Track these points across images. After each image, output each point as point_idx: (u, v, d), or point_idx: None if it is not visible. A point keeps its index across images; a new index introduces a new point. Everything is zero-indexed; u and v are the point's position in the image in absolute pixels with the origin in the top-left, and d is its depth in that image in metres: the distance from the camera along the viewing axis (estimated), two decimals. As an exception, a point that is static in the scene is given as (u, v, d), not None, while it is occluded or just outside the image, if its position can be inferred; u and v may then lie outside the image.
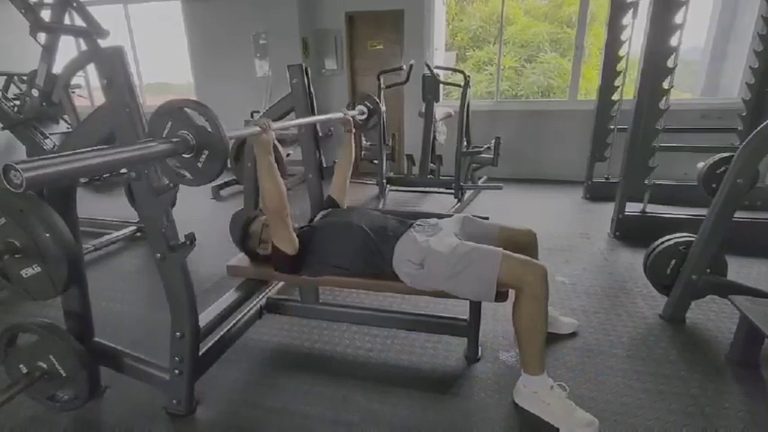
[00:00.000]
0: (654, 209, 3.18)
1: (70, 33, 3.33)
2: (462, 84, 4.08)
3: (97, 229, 3.44)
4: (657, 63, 2.75)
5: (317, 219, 1.92)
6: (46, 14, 2.83)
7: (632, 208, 3.18)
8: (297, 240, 1.65)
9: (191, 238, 1.41)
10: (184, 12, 5.73)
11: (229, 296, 1.86)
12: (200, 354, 1.59)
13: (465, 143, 4.22)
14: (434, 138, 4.28)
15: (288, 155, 4.09)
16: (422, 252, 1.59)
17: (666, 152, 3.13)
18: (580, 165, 4.56)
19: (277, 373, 1.83)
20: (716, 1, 4.83)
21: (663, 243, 2.21)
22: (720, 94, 4.91)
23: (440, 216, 1.93)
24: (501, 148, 3.99)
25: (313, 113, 2.20)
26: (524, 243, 1.80)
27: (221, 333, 1.78)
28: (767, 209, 3.48)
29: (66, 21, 2.99)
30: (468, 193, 4.33)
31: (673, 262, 2.15)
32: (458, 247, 1.57)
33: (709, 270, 2.05)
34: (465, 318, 1.85)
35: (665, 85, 2.79)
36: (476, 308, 1.79)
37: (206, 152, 1.10)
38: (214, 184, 4.73)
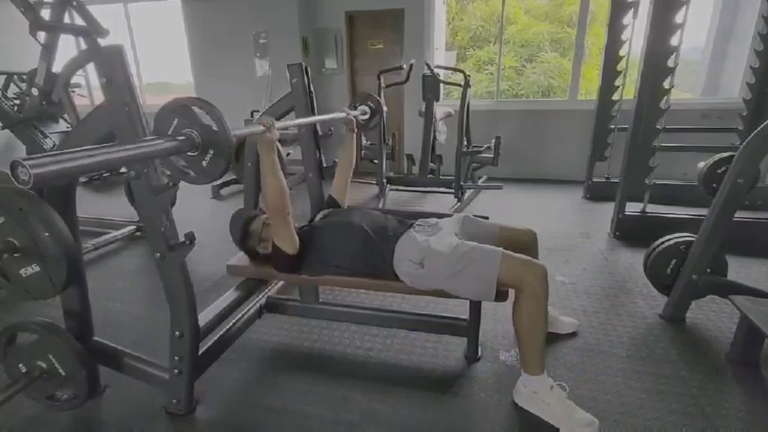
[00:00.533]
0: (654, 209, 3.17)
1: (70, 32, 3.33)
2: (462, 83, 4.08)
3: (97, 229, 3.44)
4: (658, 63, 2.75)
5: (317, 218, 1.92)
6: (46, 13, 2.83)
7: (632, 208, 3.18)
8: (297, 240, 1.65)
9: (190, 238, 1.40)
10: (184, 11, 5.72)
11: (229, 295, 1.86)
12: (199, 353, 1.59)
13: (465, 143, 4.22)
14: (434, 137, 4.28)
15: (288, 154, 4.09)
16: (422, 252, 1.59)
17: (667, 152, 3.13)
18: (580, 164, 4.56)
19: (277, 372, 1.82)
20: (716, 1, 4.83)
21: (663, 243, 2.21)
22: (721, 93, 4.91)
23: (440, 216, 1.92)
24: (501, 147, 3.99)
25: (313, 113, 2.19)
26: (524, 243, 1.80)
27: (221, 332, 1.78)
28: (767, 209, 3.47)
29: (66, 20, 2.99)
30: (468, 193, 4.33)
31: (673, 262, 2.14)
32: (458, 246, 1.57)
33: (709, 270, 2.05)
34: (465, 317, 1.84)
35: (666, 84, 2.79)
36: (476, 308, 1.79)
37: (211, 151, 1.09)
38: (214, 183, 4.74)
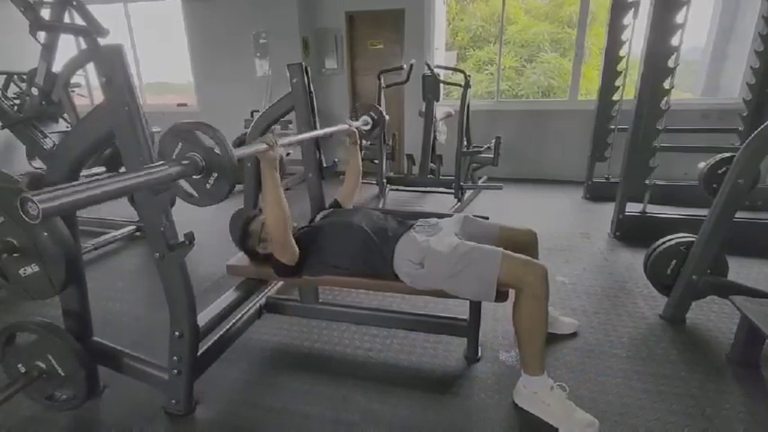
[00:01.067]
0: (654, 209, 3.17)
1: (70, 32, 3.33)
2: (462, 83, 4.08)
3: (96, 229, 3.43)
4: (658, 63, 2.75)
5: (317, 218, 1.92)
6: (46, 13, 2.83)
7: (632, 208, 3.18)
8: (297, 251, 1.63)
9: (190, 238, 1.40)
10: (184, 11, 5.72)
11: (229, 296, 1.85)
12: (199, 353, 1.59)
13: (465, 143, 4.22)
14: (434, 137, 4.28)
15: (288, 154, 4.09)
16: (422, 252, 1.59)
17: (667, 152, 3.13)
18: (580, 165, 4.56)
19: (277, 372, 1.82)
20: (716, 1, 4.83)
21: (663, 243, 2.21)
22: (721, 94, 4.91)
23: (440, 216, 1.92)
24: (501, 147, 3.99)
25: (313, 113, 2.19)
26: (525, 243, 1.80)
27: (220, 333, 1.78)
28: (767, 209, 3.47)
29: (66, 19, 2.98)
30: (468, 193, 4.33)
31: (673, 262, 2.14)
32: (458, 246, 1.56)
33: (709, 270, 2.04)
34: (465, 318, 1.84)
35: (666, 85, 2.79)
36: (476, 308, 1.79)
37: (215, 174, 1.11)
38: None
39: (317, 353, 1.95)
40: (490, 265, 1.48)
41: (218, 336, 1.76)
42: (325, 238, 1.73)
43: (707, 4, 4.88)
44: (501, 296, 1.54)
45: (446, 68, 5.20)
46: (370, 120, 2.48)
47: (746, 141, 1.88)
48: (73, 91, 3.38)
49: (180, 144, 1.09)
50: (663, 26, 2.69)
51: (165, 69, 6.94)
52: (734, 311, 1.80)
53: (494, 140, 3.98)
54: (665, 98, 2.80)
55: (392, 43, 5.44)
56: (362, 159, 4.45)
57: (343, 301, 2.35)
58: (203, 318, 1.62)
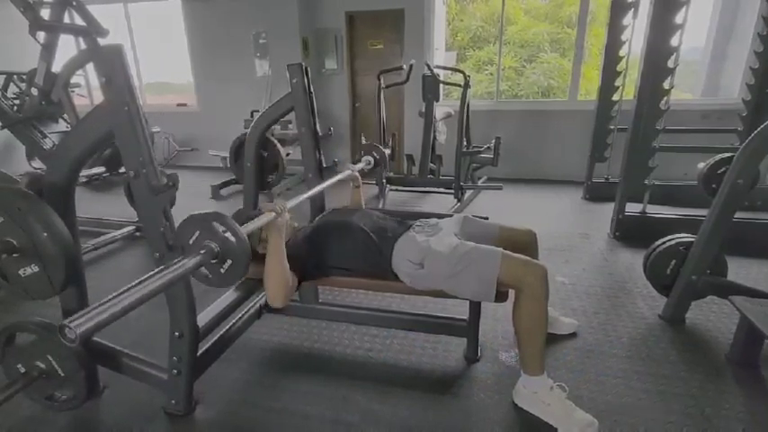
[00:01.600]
0: (654, 209, 3.17)
1: (69, 32, 3.33)
2: (462, 84, 4.08)
3: (96, 229, 3.43)
4: (658, 63, 2.75)
5: (316, 218, 1.92)
6: (45, 13, 2.83)
7: (632, 208, 3.18)
8: (294, 286, 1.60)
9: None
10: (184, 11, 5.73)
11: (228, 296, 1.85)
12: (198, 353, 1.59)
13: (465, 143, 4.22)
14: (434, 138, 4.28)
15: (288, 154, 4.09)
16: (422, 252, 1.59)
17: (666, 152, 3.13)
18: (580, 165, 4.56)
19: (277, 373, 1.82)
20: (716, 1, 4.83)
21: (663, 243, 2.21)
22: (721, 94, 4.91)
23: (440, 216, 1.92)
24: (501, 148, 3.99)
25: (313, 114, 2.20)
26: (524, 243, 1.80)
27: (220, 333, 1.78)
28: (767, 209, 3.47)
29: (66, 20, 2.98)
30: (468, 193, 4.33)
31: (673, 262, 2.14)
32: (458, 246, 1.56)
33: (709, 271, 2.05)
34: (465, 318, 1.84)
35: (666, 85, 2.79)
36: (475, 308, 1.79)
37: (229, 261, 1.16)
38: (213, 183, 4.74)
39: (316, 353, 1.95)
40: (490, 265, 1.48)
41: (217, 336, 1.76)
42: (325, 238, 1.72)
43: (707, 3, 4.88)
44: (501, 296, 1.54)
45: (446, 69, 5.20)
46: (371, 159, 2.59)
47: (746, 141, 1.88)
48: (72, 91, 3.38)
49: (197, 232, 1.16)
50: (662, 26, 2.69)
51: (164, 69, 6.94)
52: (733, 311, 1.80)
53: (493, 141, 3.98)
54: (665, 98, 2.81)
55: (392, 43, 5.44)
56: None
57: (343, 302, 2.35)
58: (203, 318, 1.62)
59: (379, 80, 4.17)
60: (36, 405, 1.58)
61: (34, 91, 2.93)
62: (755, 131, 1.86)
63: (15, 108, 3.68)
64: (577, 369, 1.79)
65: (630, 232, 3.20)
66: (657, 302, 2.25)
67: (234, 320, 1.89)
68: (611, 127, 4.17)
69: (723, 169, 2.28)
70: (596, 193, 4.35)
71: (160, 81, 7.24)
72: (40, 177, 1.44)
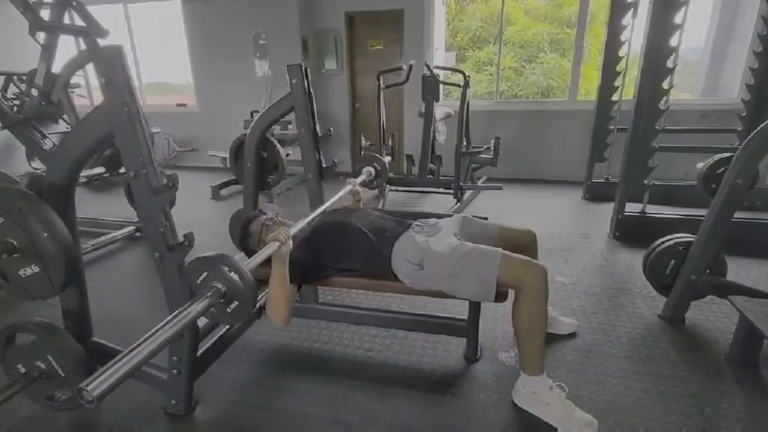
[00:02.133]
0: (653, 209, 3.18)
1: (69, 33, 3.33)
2: (462, 84, 4.08)
3: (96, 229, 3.44)
4: (657, 63, 2.75)
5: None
6: (45, 14, 2.83)
7: (632, 208, 3.18)
8: (295, 292, 1.62)
9: (189, 239, 1.40)
10: (184, 12, 5.73)
11: (229, 296, 1.85)
12: (198, 354, 1.59)
13: (465, 143, 4.22)
14: (434, 138, 4.28)
15: (288, 155, 4.09)
16: (421, 252, 1.59)
17: (666, 152, 3.13)
18: (580, 165, 4.56)
19: (276, 373, 1.82)
20: (716, 1, 4.83)
21: (662, 243, 2.21)
22: (721, 94, 4.91)
23: (439, 216, 1.92)
24: (501, 148, 4.00)
25: (312, 114, 2.20)
26: (524, 243, 1.80)
27: (220, 333, 1.78)
28: (767, 209, 3.48)
29: (66, 20, 2.98)
30: (467, 194, 4.33)
31: (672, 262, 2.14)
32: (457, 247, 1.57)
33: (708, 270, 2.05)
34: (464, 318, 1.84)
35: (665, 85, 2.79)
36: (475, 308, 1.79)
37: (236, 303, 1.19)
38: (214, 183, 4.74)
39: (316, 353, 1.95)
40: (490, 265, 1.48)
41: (217, 336, 1.76)
42: (324, 239, 1.72)
43: (706, 3, 4.88)
44: (500, 296, 1.54)
45: (445, 69, 5.20)
46: (372, 170, 2.60)
47: (745, 141, 1.88)
48: (72, 92, 3.38)
49: (205, 273, 1.19)
50: (662, 26, 2.69)
51: (164, 69, 6.95)
52: (733, 311, 1.80)
53: (493, 141, 3.98)
54: (665, 98, 2.81)
55: (392, 44, 5.44)
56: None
57: (342, 302, 2.35)
58: (203, 318, 1.62)
59: (379, 80, 4.17)
60: (36, 405, 1.58)
61: (34, 91, 2.93)
62: (755, 131, 1.86)
63: (15, 108, 3.69)
64: (577, 369, 1.80)
65: (630, 232, 3.20)
66: (657, 302, 2.26)
67: (234, 321, 1.89)
68: (611, 127, 4.17)
69: (722, 169, 2.28)
70: (596, 193, 4.35)
71: (160, 81, 7.24)
72: (40, 178, 1.45)
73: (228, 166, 3.86)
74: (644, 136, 2.90)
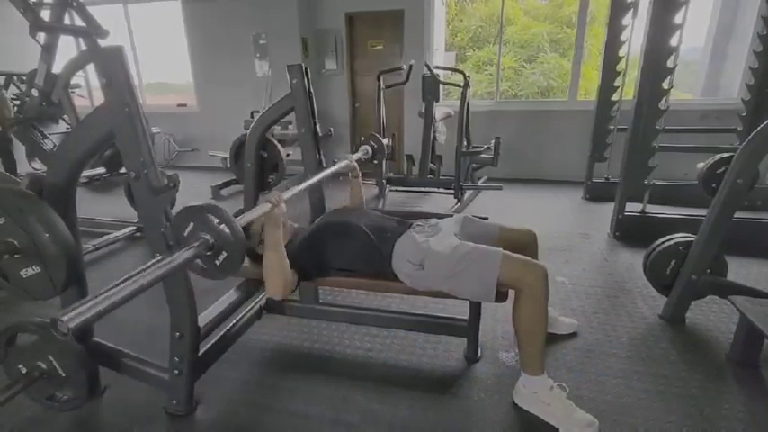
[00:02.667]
0: (653, 209, 3.18)
1: (70, 33, 3.33)
2: (462, 84, 4.09)
3: (97, 229, 3.44)
4: (657, 63, 2.75)
5: (316, 219, 1.92)
6: (45, 14, 2.83)
7: (632, 208, 3.18)
8: (294, 281, 1.61)
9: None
10: (184, 12, 5.73)
11: (229, 296, 1.86)
12: (199, 354, 1.59)
13: (465, 143, 4.22)
14: (434, 138, 4.28)
15: (288, 155, 4.09)
16: (421, 252, 1.59)
17: (666, 152, 3.13)
18: (580, 165, 4.56)
19: (277, 373, 1.82)
20: (716, 1, 4.83)
21: (662, 243, 2.21)
22: (721, 94, 4.91)
23: (439, 216, 1.93)
24: (501, 148, 3.99)
25: (313, 114, 2.21)
26: (524, 243, 1.80)
27: (221, 333, 1.78)
28: (767, 209, 3.48)
29: (66, 21, 2.99)
30: (467, 194, 4.33)
31: (672, 262, 2.14)
32: (458, 247, 1.57)
33: (708, 270, 2.05)
34: (465, 318, 1.84)
35: (665, 85, 2.79)
36: (475, 308, 1.79)
37: (224, 254, 1.16)
38: (214, 183, 4.74)
39: (316, 353, 1.95)
40: (490, 265, 1.48)
41: (218, 336, 1.76)
42: (324, 238, 1.73)
43: (706, 2, 4.88)
44: (501, 296, 1.54)
45: (445, 69, 5.21)
46: (369, 149, 2.61)
47: (745, 141, 1.88)
48: (73, 92, 3.38)
49: (191, 224, 1.16)
50: (662, 26, 2.69)
51: (164, 70, 6.95)
52: (733, 311, 1.80)
53: (493, 141, 3.98)
54: (665, 98, 2.81)
55: (392, 44, 5.44)
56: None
57: (343, 302, 2.35)
58: (204, 318, 1.63)
59: (379, 81, 4.17)
60: (37, 405, 1.58)
61: (34, 92, 2.93)
62: (755, 131, 1.86)
63: (16, 109, 3.69)
64: (577, 369, 1.80)
65: (630, 232, 3.20)
66: (657, 302, 2.26)
67: (234, 321, 1.89)
68: (611, 127, 4.17)
69: (722, 169, 2.27)
70: (596, 193, 4.35)
71: (160, 81, 7.24)
72: (40, 178, 1.44)
73: (229, 166, 3.86)
74: (644, 136, 2.90)
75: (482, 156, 4.19)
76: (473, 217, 1.90)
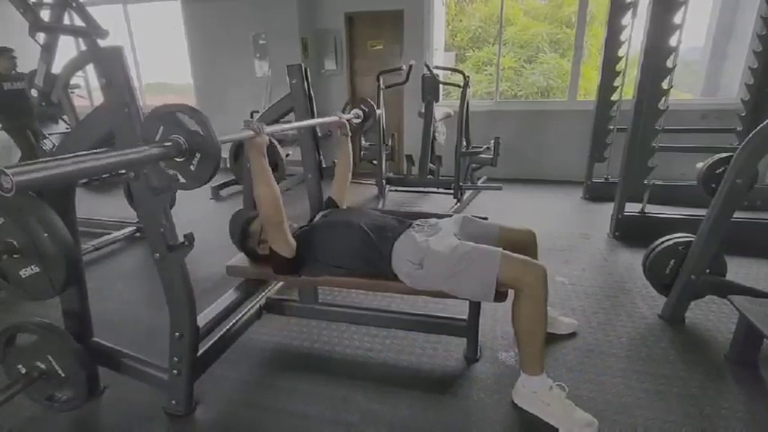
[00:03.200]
0: (653, 209, 3.18)
1: (69, 33, 3.34)
2: (462, 84, 4.09)
3: (97, 230, 3.44)
4: (657, 63, 2.75)
5: (316, 219, 1.92)
6: (45, 14, 2.83)
7: (631, 208, 3.18)
8: (294, 243, 1.65)
9: (190, 239, 1.40)
10: (184, 12, 5.73)
11: (229, 296, 1.86)
12: (199, 354, 1.59)
13: (464, 143, 4.22)
14: (434, 138, 4.28)
15: (287, 155, 4.10)
16: (421, 252, 1.59)
17: (666, 152, 3.13)
18: (580, 165, 4.56)
19: (276, 373, 1.82)
20: (716, 0, 4.83)
21: (662, 243, 2.21)
22: (721, 94, 4.91)
23: (439, 216, 1.93)
24: (500, 148, 3.99)
25: (312, 115, 2.20)
26: (524, 243, 1.80)
27: (220, 333, 1.78)
28: (766, 209, 3.48)
29: (66, 21, 2.99)
30: (467, 194, 4.33)
31: (672, 262, 2.15)
32: (457, 247, 1.57)
33: (708, 270, 2.05)
34: (464, 318, 1.85)
35: (665, 85, 2.79)
36: (475, 308, 1.79)
37: (198, 155, 1.11)
38: (214, 184, 4.74)
39: (316, 353, 1.95)
40: (490, 265, 1.48)
41: (218, 336, 1.76)
42: (325, 238, 1.73)
43: (706, 2, 4.87)
44: (500, 296, 1.54)
45: (445, 69, 5.21)
46: (360, 113, 2.51)
47: (744, 141, 1.89)
48: (72, 92, 3.38)
49: (162, 127, 1.09)
50: (662, 26, 2.70)
51: (164, 69, 6.95)
52: (732, 311, 1.80)
53: (493, 141, 3.98)
54: (664, 98, 2.81)
55: (391, 44, 5.44)
56: (362, 160, 4.51)
57: (342, 302, 2.35)
58: (203, 318, 1.63)
59: (379, 81, 4.17)
60: (36, 405, 1.58)
61: (34, 92, 2.93)
62: (754, 131, 1.86)
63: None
64: (577, 369, 1.80)
65: (630, 232, 3.20)
66: (657, 302, 2.26)
67: (234, 321, 1.89)
68: (611, 127, 4.17)
69: (722, 169, 2.27)
70: (596, 193, 4.35)
71: (160, 81, 7.24)
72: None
73: (228, 166, 3.86)
74: (644, 136, 2.90)
75: (482, 156, 4.19)
76: (473, 217, 1.90)
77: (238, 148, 2.68)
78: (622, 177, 3.11)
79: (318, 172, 2.29)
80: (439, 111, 4.36)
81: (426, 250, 1.58)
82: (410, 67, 4.25)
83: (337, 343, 2.01)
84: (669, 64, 2.74)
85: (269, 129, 1.50)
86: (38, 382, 1.48)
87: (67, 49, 4.14)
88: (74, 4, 2.86)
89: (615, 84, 4.06)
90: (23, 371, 1.48)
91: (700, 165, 2.57)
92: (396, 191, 4.60)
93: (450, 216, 1.92)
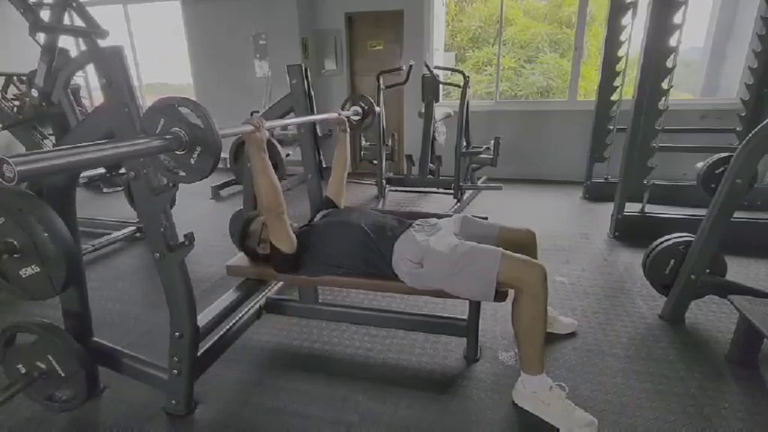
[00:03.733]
0: (653, 209, 3.18)
1: (70, 33, 3.33)
2: (462, 84, 4.09)
3: (97, 229, 3.44)
4: (657, 63, 2.75)
5: (316, 219, 1.93)
6: (45, 14, 2.83)
7: (631, 208, 3.18)
8: (295, 238, 1.65)
9: (190, 238, 1.40)
10: (184, 12, 5.73)
11: (229, 296, 1.86)
12: (199, 354, 1.59)
13: (464, 143, 4.22)
14: (434, 138, 4.28)
15: (288, 155, 4.09)
16: (421, 251, 1.59)
17: (665, 152, 3.13)
18: (579, 165, 4.56)
19: (276, 373, 1.82)
20: (716, 1, 4.83)
21: (662, 243, 2.21)
22: (721, 94, 4.91)
23: (439, 216, 1.93)
24: (500, 148, 4.00)
25: (312, 114, 2.20)
26: (524, 243, 1.80)
27: (220, 333, 1.78)
28: (766, 209, 3.48)
29: (66, 21, 2.98)
30: (467, 194, 4.33)
31: (672, 262, 2.15)
32: (457, 246, 1.57)
33: (708, 270, 2.05)
34: (464, 318, 1.84)
35: (665, 85, 2.79)
36: (475, 308, 1.79)
37: (199, 148, 1.10)
38: (214, 184, 4.74)
39: (316, 353, 1.95)
40: (490, 264, 1.48)
41: (218, 336, 1.76)
42: (325, 237, 1.73)
43: (706, 2, 4.88)
44: (500, 296, 1.54)
45: (445, 69, 5.21)
46: (360, 110, 2.50)
47: (744, 141, 1.89)
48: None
49: (162, 120, 1.09)
50: (661, 26, 2.70)
51: (164, 70, 6.96)
52: (732, 311, 1.80)
53: (493, 141, 3.98)
54: (664, 98, 2.81)
55: (391, 44, 5.45)
56: (362, 160, 4.51)
57: (342, 302, 2.35)
58: (203, 318, 1.63)
59: (379, 81, 4.17)
60: (36, 405, 1.58)
61: (34, 92, 2.93)
62: (754, 131, 1.87)
63: (15, 109, 3.69)
64: (577, 368, 1.80)
65: (630, 232, 3.20)
66: (657, 302, 2.26)
67: (234, 321, 1.89)
68: (611, 127, 4.17)
69: (722, 169, 2.28)
70: (596, 193, 4.36)
71: (160, 81, 7.25)
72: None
73: (228, 166, 3.86)
74: (643, 136, 2.90)
75: (482, 156, 4.19)
76: (473, 217, 1.90)
77: (239, 148, 2.68)
78: (622, 177, 3.11)
79: (319, 172, 2.29)
80: (439, 111, 4.36)
81: (426, 249, 1.59)
82: (410, 67, 4.25)
83: (337, 343, 2.01)
84: (669, 64, 2.74)
85: (269, 124, 1.51)
86: (38, 382, 1.48)
87: (67, 49, 4.13)
88: (74, 5, 2.86)
89: (615, 84, 4.07)
90: (23, 371, 1.48)
91: (700, 165, 2.57)
92: (396, 191, 4.60)
93: (450, 216, 1.93)
